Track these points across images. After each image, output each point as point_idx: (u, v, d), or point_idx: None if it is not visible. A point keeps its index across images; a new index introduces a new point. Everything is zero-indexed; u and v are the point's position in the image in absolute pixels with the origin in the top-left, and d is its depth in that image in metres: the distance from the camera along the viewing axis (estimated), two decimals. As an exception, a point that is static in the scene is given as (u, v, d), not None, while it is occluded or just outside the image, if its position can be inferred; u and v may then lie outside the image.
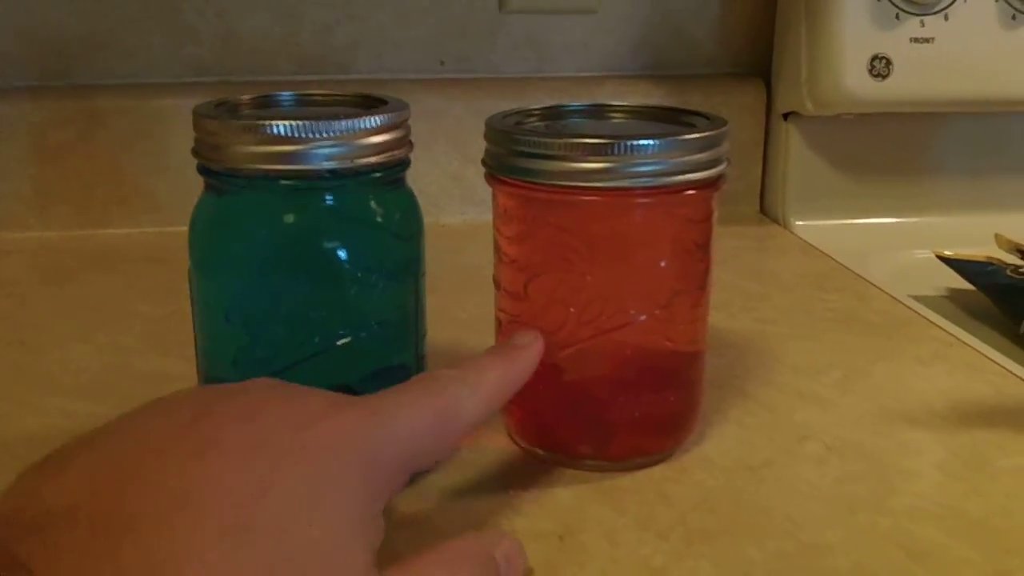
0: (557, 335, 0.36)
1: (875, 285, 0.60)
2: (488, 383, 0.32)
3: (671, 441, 0.39)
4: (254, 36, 0.70)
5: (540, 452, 0.39)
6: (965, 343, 0.51)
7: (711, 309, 0.39)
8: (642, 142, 0.33)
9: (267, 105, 0.40)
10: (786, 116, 0.72)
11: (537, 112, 0.40)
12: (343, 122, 0.34)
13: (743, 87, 0.75)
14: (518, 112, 0.39)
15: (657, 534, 0.34)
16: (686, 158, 0.34)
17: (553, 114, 0.40)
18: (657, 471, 0.38)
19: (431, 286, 0.41)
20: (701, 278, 0.38)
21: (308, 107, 0.40)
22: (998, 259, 0.60)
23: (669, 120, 0.39)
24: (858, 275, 0.62)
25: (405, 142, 0.38)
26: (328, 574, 0.24)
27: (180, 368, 0.43)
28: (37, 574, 0.21)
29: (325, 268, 0.36)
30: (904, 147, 0.73)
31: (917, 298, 0.58)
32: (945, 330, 0.53)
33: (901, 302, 0.57)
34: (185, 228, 0.38)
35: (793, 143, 0.72)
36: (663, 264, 0.36)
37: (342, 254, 0.36)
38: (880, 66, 0.65)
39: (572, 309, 0.36)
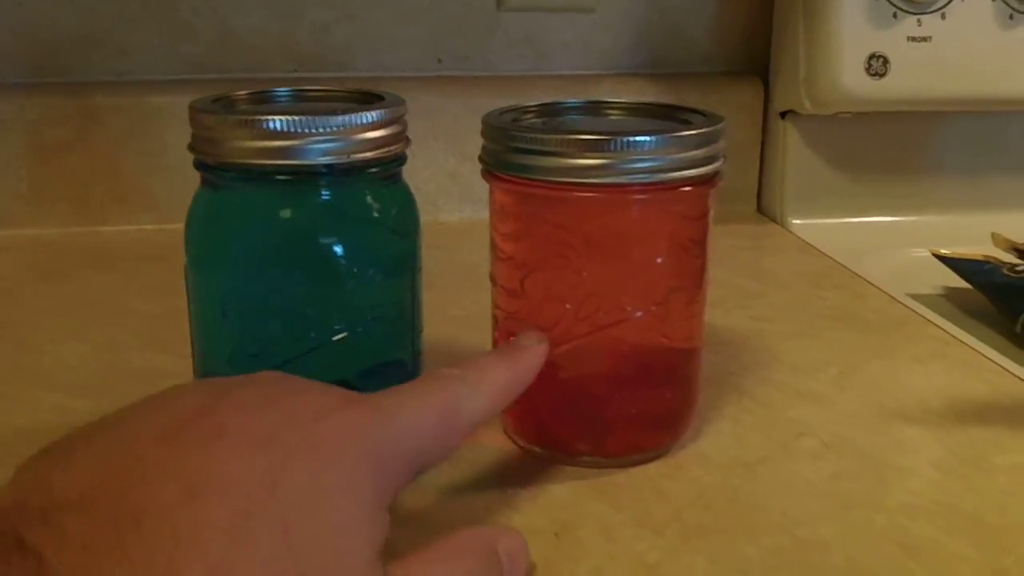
0: (553, 332, 0.36)
1: (872, 283, 0.60)
2: (491, 383, 0.32)
3: (667, 438, 0.39)
4: (251, 34, 0.70)
5: (537, 450, 0.39)
6: (962, 341, 0.51)
7: (708, 306, 0.39)
8: (638, 138, 0.33)
9: (264, 100, 0.40)
10: (783, 115, 0.72)
11: (534, 109, 0.40)
12: (339, 117, 0.34)
13: (741, 86, 0.75)
14: (515, 109, 0.39)
15: (653, 530, 0.34)
16: (682, 154, 0.34)
17: (550, 111, 0.40)
18: (653, 468, 0.38)
19: (428, 283, 0.41)
20: (697, 275, 0.38)
21: (305, 103, 0.40)
22: (995, 258, 0.60)
23: (665, 117, 0.39)
24: (855, 273, 0.62)
25: (402, 138, 0.38)
26: (332, 568, 0.23)
27: (176, 365, 0.43)
28: (47, 561, 0.21)
29: (321, 263, 0.36)
30: (901, 146, 0.73)
31: (914, 296, 0.58)
32: (942, 328, 0.53)
33: (898, 300, 0.57)
34: (182, 225, 0.38)
35: (790, 142, 0.72)
36: (659, 261, 0.36)
37: (338, 249, 0.36)
38: (877, 65, 0.65)
39: (568, 306, 0.36)
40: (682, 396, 0.39)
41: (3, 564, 0.21)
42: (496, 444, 0.40)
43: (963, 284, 0.60)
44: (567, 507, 0.35)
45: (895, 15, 0.65)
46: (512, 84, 0.72)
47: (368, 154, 0.36)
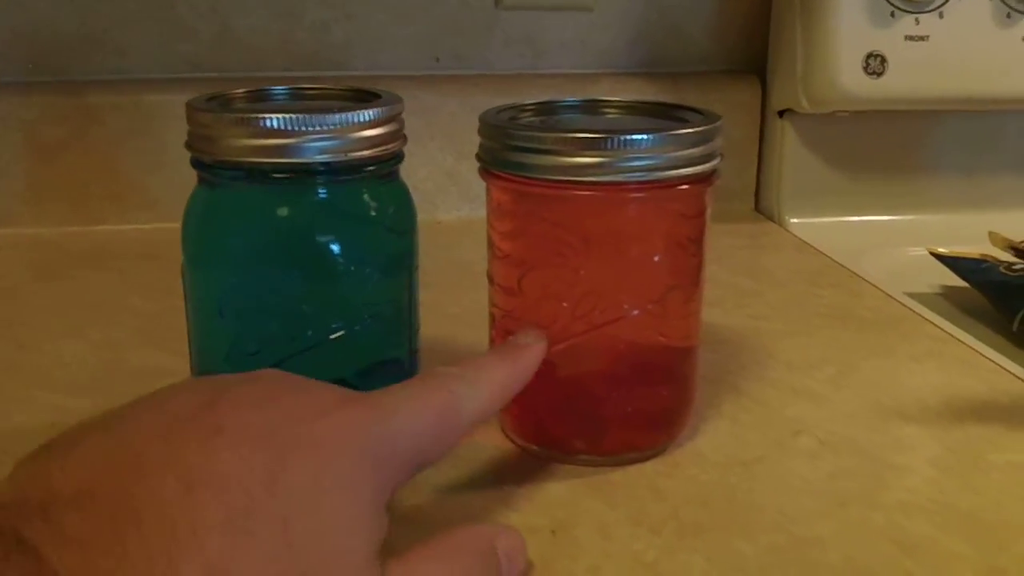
0: (550, 330, 0.36)
1: (869, 282, 0.60)
2: (489, 382, 0.32)
3: (664, 436, 0.39)
4: (249, 33, 0.70)
5: (535, 448, 0.39)
6: (959, 340, 0.51)
7: (705, 305, 0.39)
8: (635, 137, 0.33)
9: (260, 99, 0.40)
10: (781, 113, 0.72)
11: (531, 107, 0.40)
12: (336, 116, 0.34)
13: (738, 84, 0.75)
14: (512, 107, 0.39)
15: (649, 528, 0.34)
16: (679, 153, 0.34)
17: (547, 109, 0.40)
18: (650, 466, 0.38)
19: (425, 282, 0.41)
20: (695, 273, 0.38)
21: (301, 101, 0.40)
22: (992, 256, 0.60)
23: (662, 115, 0.39)
24: (852, 272, 0.62)
25: (399, 136, 0.38)
26: (330, 566, 0.24)
27: (173, 363, 0.43)
28: (45, 557, 0.21)
29: (318, 261, 0.36)
30: (899, 145, 0.73)
31: (911, 295, 0.58)
32: (939, 327, 0.53)
33: (895, 299, 0.57)
34: (179, 224, 0.38)
35: (788, 140, 0.72)
36: (656, 259, 0.36)
37: (335, 247, 0.36)
38: (875, 64, 0.65)
39: (565, 304, 0.36)
40: (679, 394, 0.39)
41: (2, 561, 0.21)
42: (493, 443, 0.40)
43: (960, 283, 0.60)
44: (564, 505, 0.35)
45: (893, 14, 0.65)
46: (510, 83, 0.72)
47: (365, 152, 0.36)
